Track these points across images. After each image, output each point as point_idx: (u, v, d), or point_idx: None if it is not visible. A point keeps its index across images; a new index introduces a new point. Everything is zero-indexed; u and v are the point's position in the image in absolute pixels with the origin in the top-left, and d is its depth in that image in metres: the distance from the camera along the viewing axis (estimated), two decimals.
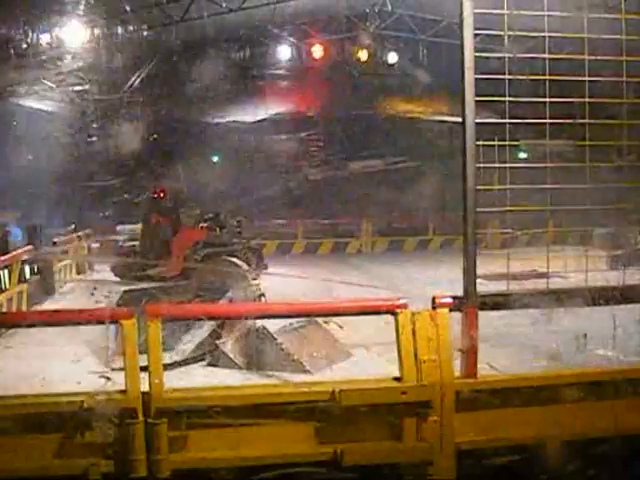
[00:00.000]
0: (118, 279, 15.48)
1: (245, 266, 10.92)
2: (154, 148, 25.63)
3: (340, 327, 8.77)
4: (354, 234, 24.12)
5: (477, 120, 5.17)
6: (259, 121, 27.09)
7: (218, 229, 17.77)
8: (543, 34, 5.53)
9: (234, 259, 13.72)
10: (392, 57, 26.05)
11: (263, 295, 9.89)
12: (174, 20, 21.16)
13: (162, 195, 17.87)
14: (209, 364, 8.04)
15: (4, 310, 10.28)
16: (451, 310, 4.93)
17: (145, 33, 21.60)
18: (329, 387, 4.68)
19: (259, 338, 7.84)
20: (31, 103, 23.55)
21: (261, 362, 7.69)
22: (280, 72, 26.59)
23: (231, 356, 7.86)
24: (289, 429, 4.70)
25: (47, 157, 22.57)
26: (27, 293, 11.68)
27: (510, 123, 5.53)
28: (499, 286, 7.21)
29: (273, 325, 7.93)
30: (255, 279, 10.16)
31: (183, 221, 17.20)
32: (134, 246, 18.06)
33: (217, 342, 8.07)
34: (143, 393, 4.53)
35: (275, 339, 7.82)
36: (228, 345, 7.99)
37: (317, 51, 25.22)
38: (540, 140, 6.03)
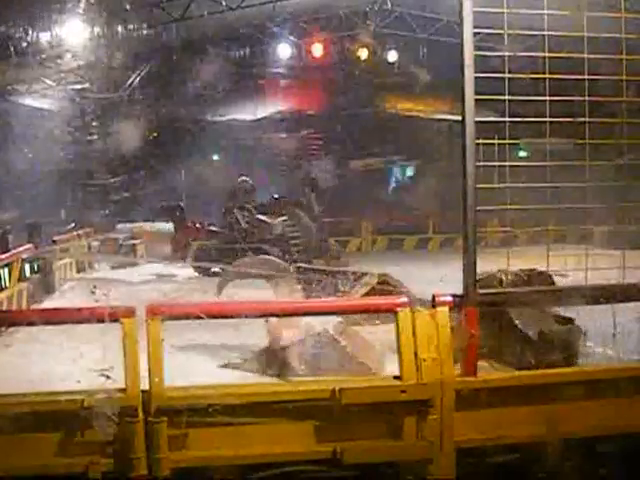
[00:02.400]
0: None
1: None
2: (154, 146, 25.63)
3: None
4: (354, 232, 24.13)
5: (477, 119, 5.18)
6: (259, 119, 27.09)
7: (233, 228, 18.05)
8: (543, 32, 5.53)
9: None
10: (392, 55, 26.04)
11: None
12: (174, 18, 21.16)
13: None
14: (267, 373, 7.62)
15: (4, 308, 10.27)
16: (451, 309, 4.94)
17: (145, 32, 21.59)
18: (329, 385, 4.69)
19: (320, 342, 7.40)
20: (31, 102, 23.53)
21: (325, 367, 7.23)
22: (280, 70, 26.60)
23: (291, 363, 7.48)
24: (289, 427, 4.71)
25: (47, 156, 22.56)
26: (27, 291, 11.69)
27: (510, 122, 5.53)
28: None
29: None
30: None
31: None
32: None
33: (276, 350, 7.67)
34: (143, 391, 4.53)
35: (339, 342, 7.42)
36: (286, 350, 7.60)
37: (317, 49, 25.22)
38: (540, 139, 6.03)
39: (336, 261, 17.34)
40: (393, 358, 7.76)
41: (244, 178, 19.23)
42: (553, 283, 6.81)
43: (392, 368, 7.39)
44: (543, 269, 6.94)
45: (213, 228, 19.11)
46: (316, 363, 7.35)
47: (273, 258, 10.86)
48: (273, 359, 7.70)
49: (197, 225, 19.62)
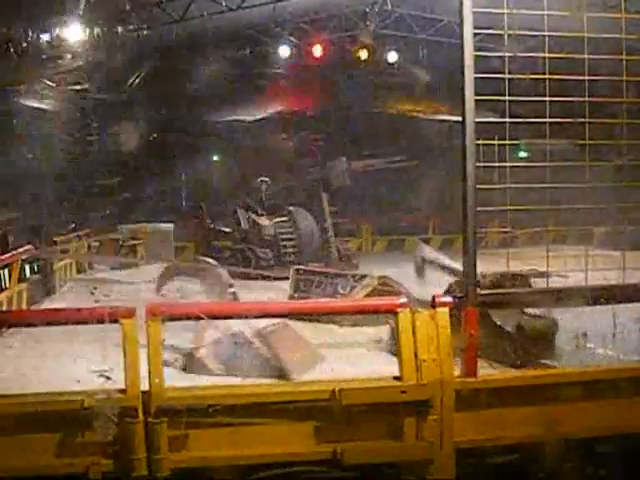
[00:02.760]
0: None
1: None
2: (154, 147, 25.63)
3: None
4: (354, 233, 24.14)
5: (477, 119, 5.18)
6: (259, 120, 27.08)
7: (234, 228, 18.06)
8: (543, 33, 5.54)
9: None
10: (392, 56, 26.04)
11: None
12: (174, 19, 21.17)
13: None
14: (182, 369, 7.65)
15: (4, 309, 10.27)
16: (451, 309, 4.94)
17: (145, 32, 21.59)
18: (329, 386, 4.69)
19: (236, 343, 7.49)
20: (31, 102, 23.52)
21: (238, 368, 7.28)
22: (280, 71, 26.59)
23: (205, 362, 7.53)
24: (289, 428, 4.71)
25: (47, 156, 22.57)
26: (27, 292, 11.68)
27: (510, 122, 5.53)
28: None
29: (247, 329, 7.57)
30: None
31: None
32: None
33: (191, 348, 7.74)
34: (143, 392, 4.53)
35: (252, 343, 7.50)
36: (202, 351, 7.67)
37: (317, 50, 25.19)
38: (540, 139, 6.03)
39: (347, 263, 17.27)
40: (330, 362, 7.81)
41: (263, 178, 19.21)
42: (530, 285, 6.89)
43: (321, 369, 7.49)
44: (520, 271, 7.01)
45: (223, 229, 19.10)
46: (227, 363, 7.41)
47: (212, 262, 11.23)
48: (192, 359, 7.72)
49: (211, 225, 19.66)
